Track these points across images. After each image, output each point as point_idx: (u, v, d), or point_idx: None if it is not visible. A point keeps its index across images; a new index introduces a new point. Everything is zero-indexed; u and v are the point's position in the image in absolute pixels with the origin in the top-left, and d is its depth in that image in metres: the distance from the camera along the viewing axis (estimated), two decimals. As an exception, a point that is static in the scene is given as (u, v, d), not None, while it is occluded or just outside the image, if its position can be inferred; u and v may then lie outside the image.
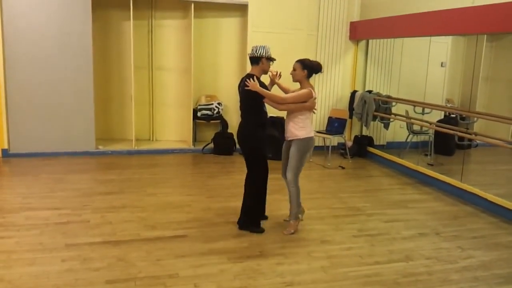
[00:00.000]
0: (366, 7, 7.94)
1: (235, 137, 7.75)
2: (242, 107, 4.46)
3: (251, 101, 4.34)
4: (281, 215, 4.81)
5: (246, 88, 4.23)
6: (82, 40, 6.93)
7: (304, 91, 4.32)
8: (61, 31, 6.86)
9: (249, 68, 7.25)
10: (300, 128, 4.34)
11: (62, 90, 6.99)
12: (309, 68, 4.36)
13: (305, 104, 4.32)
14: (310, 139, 4.39)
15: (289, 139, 4.43)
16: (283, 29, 7.75)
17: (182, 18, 7.88)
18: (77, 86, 7.03)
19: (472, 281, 3.66)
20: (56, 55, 6.89)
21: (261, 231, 4.45)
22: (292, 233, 4.43)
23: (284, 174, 4.55)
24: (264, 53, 4.33)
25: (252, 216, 4.49)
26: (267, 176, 4.47)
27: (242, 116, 4.48)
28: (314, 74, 4.43)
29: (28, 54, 6.78)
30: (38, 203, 5.03)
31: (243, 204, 4.51)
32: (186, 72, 7.80)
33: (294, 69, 4.39)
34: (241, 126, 4.48)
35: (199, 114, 7.82)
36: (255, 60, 4.38)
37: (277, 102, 4.28)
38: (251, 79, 4.25)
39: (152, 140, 8.19)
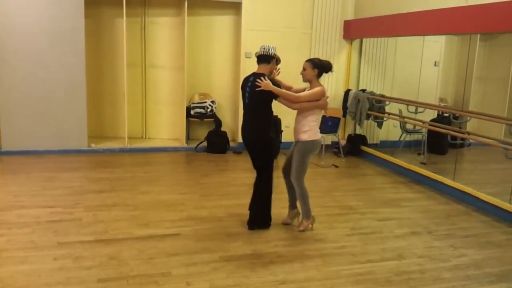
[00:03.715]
0: (360, 6, 7.94)
1: (228, 135, 7.77)
2: (251, 108, 4.35)
3: (262, 101, 4.28)
4: (273, 213, 4.78)
5: (259, 89, 4.14)
6: (74, 37, 6.88)
7: (317, 89, 4.28)
8: (54, 28, 6.81)
9: (243, 65, 7.40)
10: (305, 131, 4.33)
11: (54, 87, 6.94)
12: (319, 67, 4.32)
13: (318, 102, 4.30)
14: (313, 142, 4.35)
15: (295, 140, 4.44)
16: (277, 27, 7.74)
17: (175, 16, 7.84)
18: (69, 84, 6.99)
19: (464, 279, 3.68)
20: (48, 52, 6.84)
21: (269, 225, 4.53)
22: (302, 231, 4.48)
23: (285, 173, 4.58)
24: (275, 53, 4.31)
25: (266, 214, 4.50)
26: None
27: (250, 117, 4.38)
28: (324, 74, 4.39)
29: (20, 51, 6.73)
30: (30, 201, 5.00)
31: (253, 205, 4.48)
32: (179, 70, 7.78)
33: (304, 69, 4.35)
34: (249, 127, 4.38)
35: (192, 112, 7.79)
36: (266, 59, 4.31)
37: (292, 101, 4.26)
38: (262, 78, 4.16)
39: (145, 138, 8.16)
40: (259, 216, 4.48)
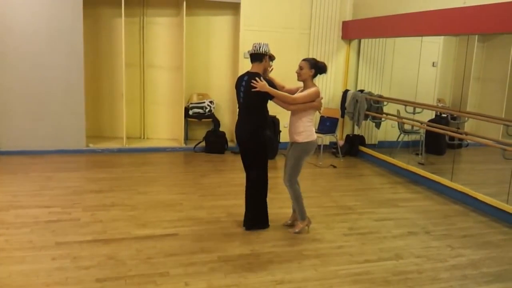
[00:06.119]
0: (358, 7, 7.96)
1: (227, 135, 7.77)
2: (245, 108, 4.31)
3: (257, 102, 4.23)
4: (271, 213, 4.78)
5: (254, 89, 4.10)
6: (73, 37, 6.88)
7: (313, 90, 4.24)
8: (52, 28, 6.81)
9: (241, 66, 7.40)
10: (300, 133, 4.28)
11: (53, 87, 6.94)
12: (316, 68, 4.29)
13: (312, 103, 4.27)
14: (308, 144, 4.30)
15: (291, 141, 4.41)
16: (276, 27, 7.75)
17: (174, 16, 7.85)
18: (67, 84, 6.98)
19: (461, 279, 3.69)
20: (46, 52, 6.84)
21: (267, 226, 4.50)
22: (297, 232, 4.43)
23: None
24: (267, 50, 4.22)
25: (263, 214, 4.47)
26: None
27: (244, 116, 4.34)
28: (318, 75, 4.36)
29: (19, 51, 6.73)
30: (28, 201, 5.00)
31: (250, 206, 4.46)
32: (178, 70, 7.78)
33: (301, 68, 4.28)
34: (244, 127, 4.34)
35: (190, 112, 7.80)
36: (258, 57, 4.23)
37: (288, 103, 4.21)
38: (257, 79, 4.11)
39: (144, 138, 8.16)
40: (256, 217, 4.47)
